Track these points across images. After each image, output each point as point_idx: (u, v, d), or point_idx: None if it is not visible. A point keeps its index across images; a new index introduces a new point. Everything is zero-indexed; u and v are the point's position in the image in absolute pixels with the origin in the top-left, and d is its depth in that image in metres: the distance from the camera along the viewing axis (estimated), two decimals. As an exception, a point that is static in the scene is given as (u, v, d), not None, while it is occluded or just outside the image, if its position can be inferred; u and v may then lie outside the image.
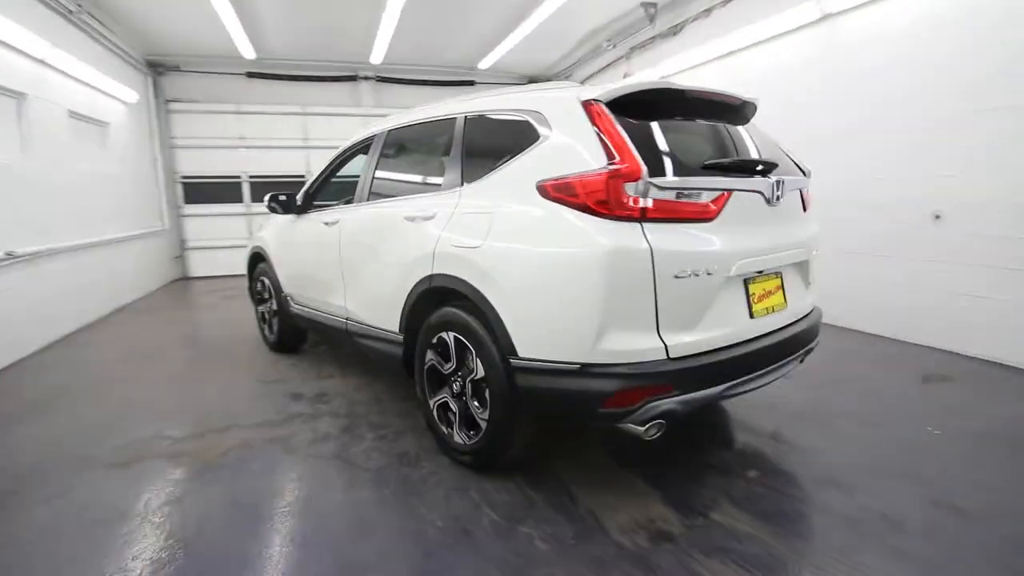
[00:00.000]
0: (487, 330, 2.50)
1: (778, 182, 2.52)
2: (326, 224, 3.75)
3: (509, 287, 2.35)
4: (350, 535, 2.24)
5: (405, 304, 2.97)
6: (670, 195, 2.21)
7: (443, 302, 2.77)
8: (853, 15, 4.95)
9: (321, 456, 2.93)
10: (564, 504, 2.45)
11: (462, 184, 2.76)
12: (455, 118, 2.96)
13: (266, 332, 4.97)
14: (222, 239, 10.03)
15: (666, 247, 2.15)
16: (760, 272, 2.49)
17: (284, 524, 2.32)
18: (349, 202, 4.45)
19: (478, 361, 2.55)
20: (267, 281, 4.74)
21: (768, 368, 2.49)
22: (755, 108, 2.85)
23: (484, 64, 9.83)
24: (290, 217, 4.38)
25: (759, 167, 2.50)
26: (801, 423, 3.19)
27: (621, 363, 2.16)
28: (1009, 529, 2.20)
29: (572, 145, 2.31)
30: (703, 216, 2.28)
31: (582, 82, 9.92)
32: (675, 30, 7.37)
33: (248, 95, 9.96)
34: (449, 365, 2.76)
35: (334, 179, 4.21)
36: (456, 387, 2.73)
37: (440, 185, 2.94)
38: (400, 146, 3.48)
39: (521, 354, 2.34)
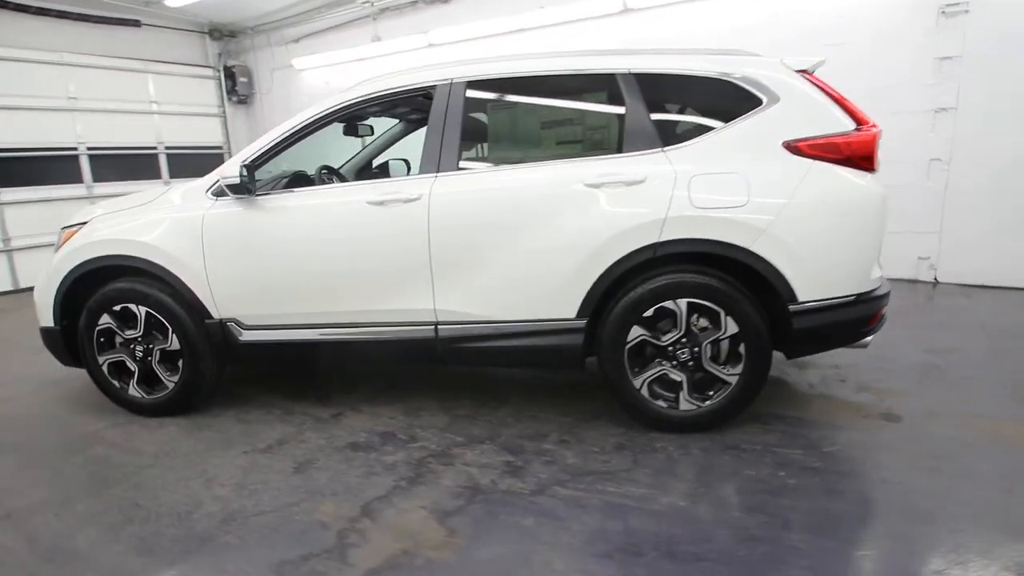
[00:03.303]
0: (736, 287, 2.56)
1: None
2: (377, 204, 2.74)
3: (790, 239, 2.48)
4: (764, 513, 2.08)
5: (597, 283, 2.62)
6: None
7: (635, 272, 2.63)
8: (651, 13, 6.13)
9: (561, 482, 2.38)
10: (807, 425, 2.78)
11: (664, 145, 2.61)
12: (614, 75, 2.69)
13: (134, 390, 3.15)
14: None
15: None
16: None
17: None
18: (330, 176, 3.32)
19: (728, 319, 2.58)
20: (145, 311, 3.02)
21: None
22: None
23: (176, 1, 7.58)
24: (215, 203, 2.95)
25: None
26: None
27: (875, 288, 2.65)
28: (966, 357, 3.65)
29: (812, 110, 2.56)
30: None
31: (297, 40, 8.81)
32: (445, -2, 7.37)
33: None
34: (671, 335, 2.64)
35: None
36: (683, 355, 2.65)
37: (618, 147, 2.68)
38: (501, 103, 2.84)
39: (802, 298, 2.53)
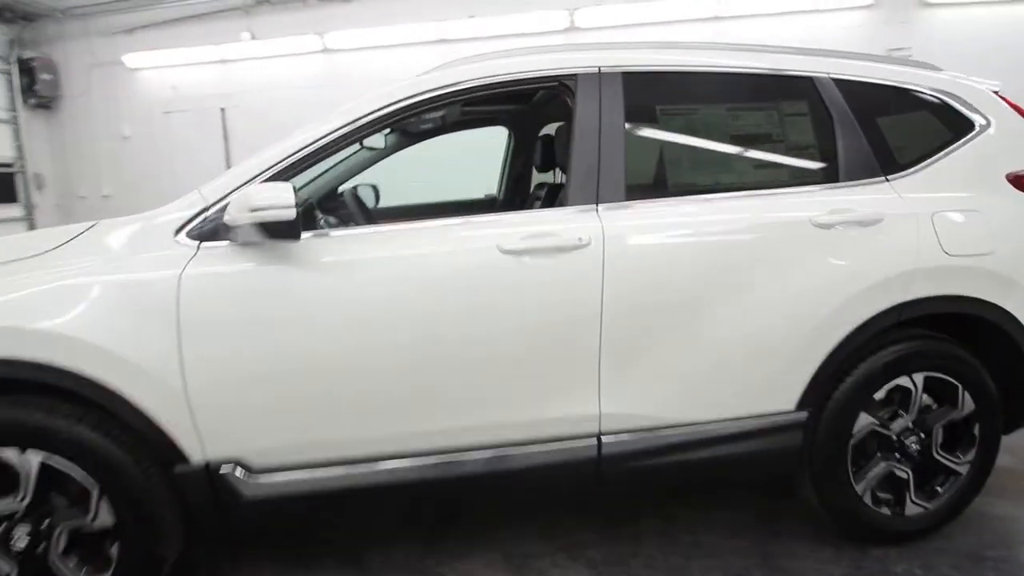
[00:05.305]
0: (975, 352, 2.05)
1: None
2: (515, 253, 1.70)
3: (1036, 290, 2.02)
4: None
5: (829, 360, 1.90)
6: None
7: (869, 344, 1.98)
8: (598, 34, 5.68)
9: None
10: (1003, 506, 2.32)
11: (884, 172, 2.01)
12: (812, 79, 2.03)
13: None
14: None
15: None
16: None
17: None
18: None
19: (965, 395, 2.04)
20: (39, 463, 1.56)
21: None
22: None
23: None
24: (199, 254, 1.66)
25: None
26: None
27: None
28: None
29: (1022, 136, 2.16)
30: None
31: (131, 31, 6.86)
32: (345, -5, 6.17)
33: None
34: (901, 421, 2.03)
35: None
36: (913, 445, 2.04)
37: (831, 174, 2.01)
38: (674, 107, 1.98)
39: (1048, 361, 2.08)
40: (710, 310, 1.83)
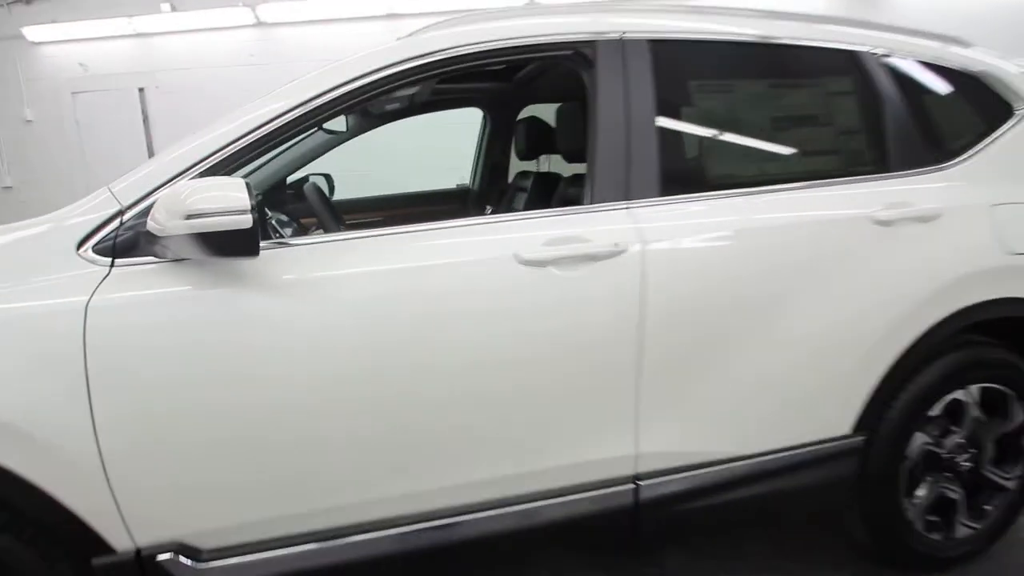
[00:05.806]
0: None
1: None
2: (537, 264, 1.35)
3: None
4: None
5: (890, 375, 1.66)
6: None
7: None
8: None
9: None
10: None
11: (939, 162, 1.77)
12: (855, 52, 1.75)
13: None
14: None
15: None
16: None
17: None
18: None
19: (1018, 406, 1.85)
20: None
21: None
22: None
23: None
24: (111, 275, 1.23)
25: None
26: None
27: None
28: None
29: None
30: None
31: (29, 1, 5.99)
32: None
33: None
34: (955, 437, 1.82)
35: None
36: (964, 463, 1.84)
37: (880, 162, 1.75)
38: (710, 83, 1.65)
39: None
40: (766, 324, 1.54)
